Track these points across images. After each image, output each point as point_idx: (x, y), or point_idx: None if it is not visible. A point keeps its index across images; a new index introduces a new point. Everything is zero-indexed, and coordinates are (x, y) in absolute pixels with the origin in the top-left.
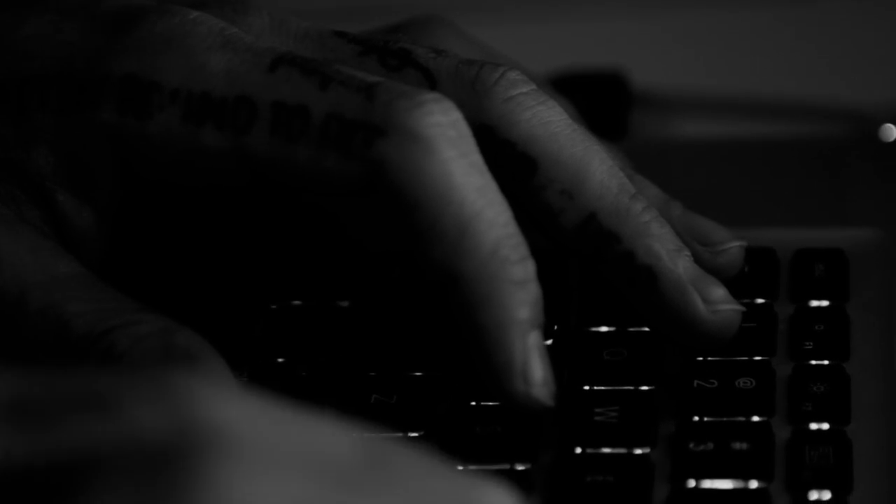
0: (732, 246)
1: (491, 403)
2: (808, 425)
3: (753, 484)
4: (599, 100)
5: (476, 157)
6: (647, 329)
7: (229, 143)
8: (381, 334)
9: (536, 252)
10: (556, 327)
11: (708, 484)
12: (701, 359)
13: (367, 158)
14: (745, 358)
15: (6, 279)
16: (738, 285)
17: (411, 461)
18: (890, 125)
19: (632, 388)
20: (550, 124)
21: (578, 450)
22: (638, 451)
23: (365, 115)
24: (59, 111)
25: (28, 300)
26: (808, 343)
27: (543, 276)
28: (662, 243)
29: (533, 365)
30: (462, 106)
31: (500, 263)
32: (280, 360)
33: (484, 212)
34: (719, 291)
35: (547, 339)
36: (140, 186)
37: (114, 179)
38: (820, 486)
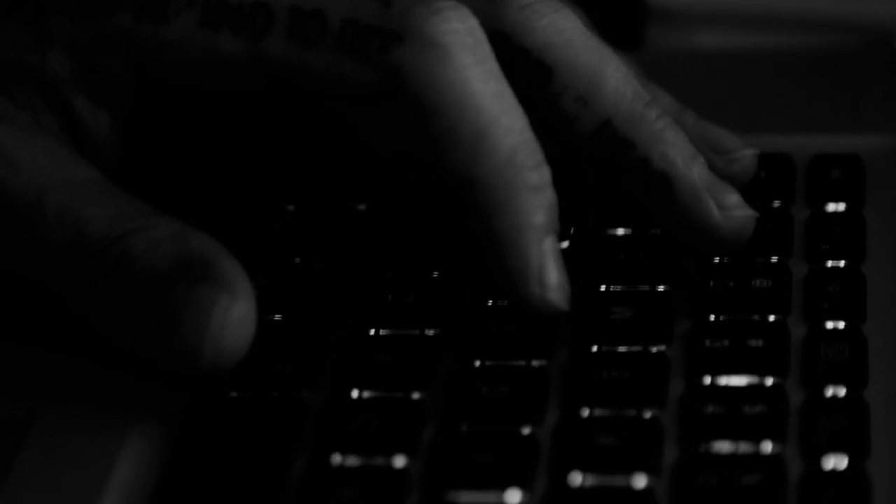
0: (745, 154)
1: (508, 302)
2: (824, 323)
3: (769, 380)
4: (615, 11)
5: (492, 65)
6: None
7: (246, 49)
8: (397, 237)
9: (552, 158)
10: (572, 230)
11: (723, 380)
12: (718, 260)
13: (383, 64)
14: (762, 259)
15: (23, 183)
16: (754, 190)
17: None
18: None
19: (648, 288)
20: (566, 32)
21: (595, 348)
22: (654, 349)
23: (382, 21)
24: (76, 16)
25: (45, 204)
26: (824, 245)
27: (559, 181)
28: (677, 150)
29: (548, 269)
30: (477, 13)
31: (516, 169)
32: (297, 260)
33: (500, 118)
34: (733, 197)
35: (563, 241)
36: (156, 92)
37: (130, 85)
38: (835, 382)
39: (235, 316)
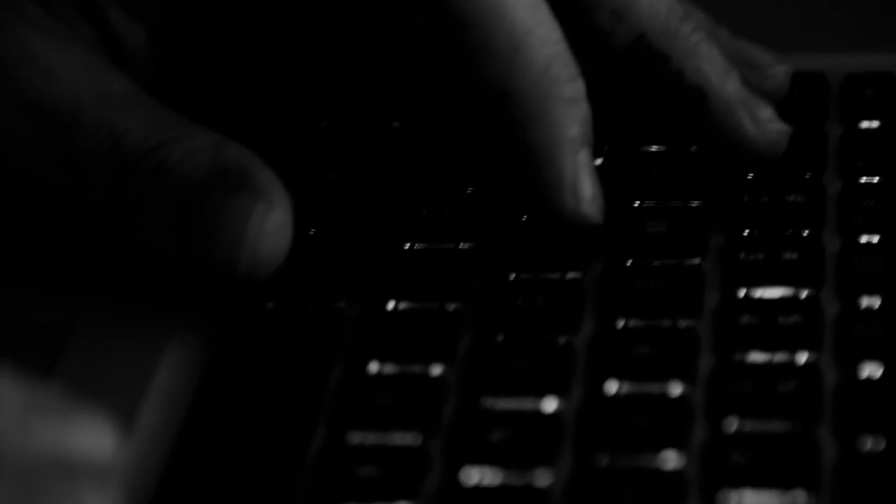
0: (779, 70)
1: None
2: (858, 237)
3: (804, 292)
4: None
5: None
6: (697, 149)
7: None
8: (431, 154)
9: (586, 76)
10: (606, 147)
11: (758, 292)
12: (751, 176)
13: None
14: (796, 175)
15: (60, 94)
16: (788, 108)
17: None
18: None
19: (682, 203)
20: None
21: (629, 261)
22: (688, 261)
23: None
24: None
25: (81, 114)
26: (858, 161)
27: (593, 99)
28: (711, 64)
29: (582, 181)
30: None
31: (551, 81)
32: (331, 176)
33: (535, 30)
34: (767, 111)
35: (597, 158)
36: (191, 5)
37: None
38: (870, 293)
39: (272, 224)
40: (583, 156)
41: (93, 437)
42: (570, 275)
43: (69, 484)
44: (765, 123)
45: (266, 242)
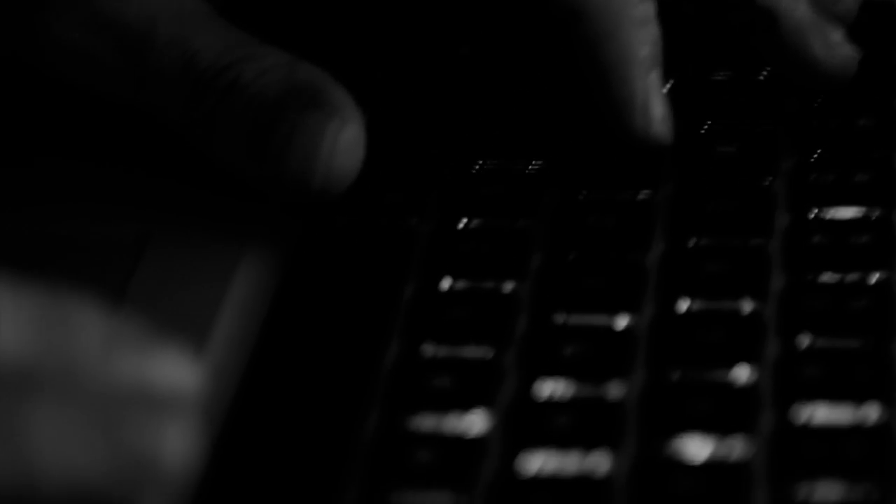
0: None
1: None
2: None
3: (875, 212)
4: None
5: None
6: (766, 75)
7: None
8: (501, 78)
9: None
10: (674, 73)
11: (829, 213)
12: (820, 101)
13: None
14: (865, 100)
15: (135, 12)
16: (857, 37)
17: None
18: None
19: (751, 126)
20: None
21: (699, 182)
22: (759, 182)
23: None
24: None
25: (156, 33)
26: None
27: (662, 24)
28: None
29: (653, 101)
30: None
31: (622, 1)
32: (400, 99)
33: None
34: (837, 35)
35: (666, 83)
36: None
37: None
38: None
39: (345, 141)
40: (653, 77)
41: (172, 369)
42: (641, 195)
43: (148, 415)
44: (835, 46)
45: (339, 159)
